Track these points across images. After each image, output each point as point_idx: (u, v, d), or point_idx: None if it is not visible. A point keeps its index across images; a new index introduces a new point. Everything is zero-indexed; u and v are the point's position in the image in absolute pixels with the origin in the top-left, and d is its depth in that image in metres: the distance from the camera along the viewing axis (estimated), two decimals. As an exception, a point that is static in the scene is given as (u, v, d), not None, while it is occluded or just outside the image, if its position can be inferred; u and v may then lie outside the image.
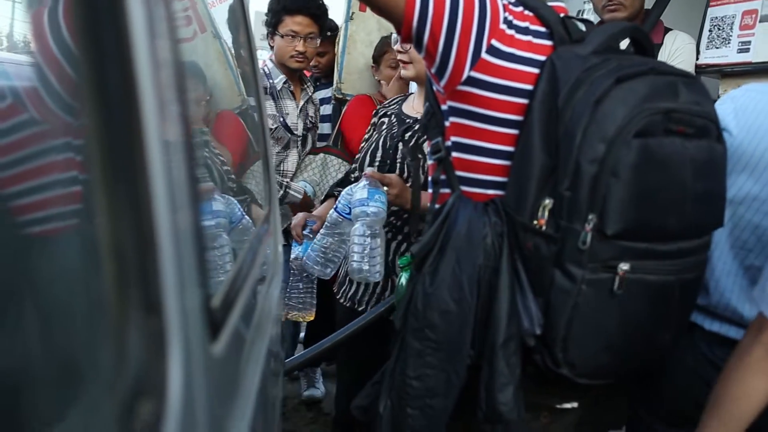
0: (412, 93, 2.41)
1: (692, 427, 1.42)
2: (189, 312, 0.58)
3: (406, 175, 2.14)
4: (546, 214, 1.18)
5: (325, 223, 2.12)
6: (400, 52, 2.18)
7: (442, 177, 1.36)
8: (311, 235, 2.27)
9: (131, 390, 0.48)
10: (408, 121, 2.22)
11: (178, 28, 0.71)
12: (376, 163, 2.18)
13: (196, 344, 0.60)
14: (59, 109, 0.59)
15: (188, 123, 0.69)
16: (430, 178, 1.42)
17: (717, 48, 2.49)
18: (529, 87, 1.25)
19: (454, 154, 1.32)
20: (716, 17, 2.51)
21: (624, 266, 1.18)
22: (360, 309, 2.25)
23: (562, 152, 1.16)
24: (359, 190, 1.98)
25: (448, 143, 1.33)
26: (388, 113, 2.30)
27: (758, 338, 1.17)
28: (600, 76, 1.17)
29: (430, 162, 1.42)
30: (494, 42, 1.25)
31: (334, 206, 2.10)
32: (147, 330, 0.50)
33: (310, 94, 3.12)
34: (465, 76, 1.26)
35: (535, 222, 1.19)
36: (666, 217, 1.21)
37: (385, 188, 1.99)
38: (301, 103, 3.06)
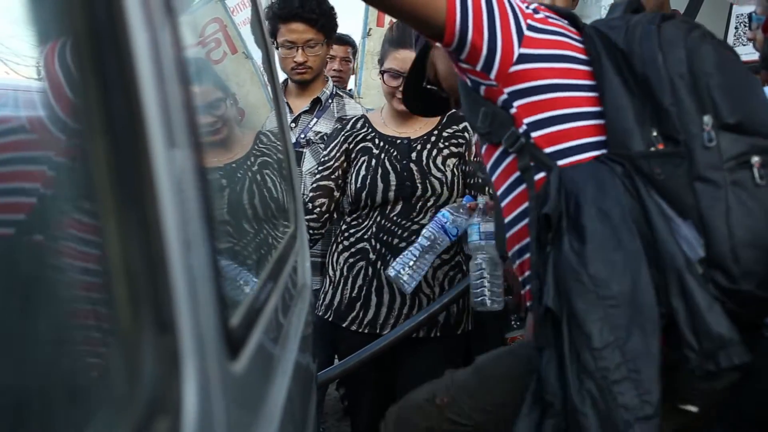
0: (370, 110, 2.40)
1: None
2: (205, 331, 0.58)
3: (429, 193, 2.19)
4: (660, 139, 1.20)
5: (424, 242, 2.08)
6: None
7: (531, 164, 1.31)
8: None
9: (146, 409, 0.48)
10: (400, 141, 2.25)
11: (188, 48, 0.72)
12: (393, 186, 2.19)
13: (214, 363, 0.60)
14: (69, 132, 0.60)
15: (201, 140, 0.70)
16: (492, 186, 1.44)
17: (744, 45, 2.44)
18: (576, 54, 1.31)
19: (536, 134, 1.30)
20: (741, 14, 2.47)
21: (756, 158, 1.18)
22: (384, 333, 2.18)
23: (651, 76, 1.21)
24: (487, 223, 1.94)
25: (523, 128, 1.31)
26: (367, 137, 2.28)
27: None
28: (642, 19, 1.26)
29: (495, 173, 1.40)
30: (530, 21, 1.32)
31: (437, 223, 2.07)
32: (161, 349, 0.51)
33: (306, 108, 2.70)
34: (516, 54, 1.29)
35: (653, 149, 1.20)
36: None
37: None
38: (297, 113, 2.71)
